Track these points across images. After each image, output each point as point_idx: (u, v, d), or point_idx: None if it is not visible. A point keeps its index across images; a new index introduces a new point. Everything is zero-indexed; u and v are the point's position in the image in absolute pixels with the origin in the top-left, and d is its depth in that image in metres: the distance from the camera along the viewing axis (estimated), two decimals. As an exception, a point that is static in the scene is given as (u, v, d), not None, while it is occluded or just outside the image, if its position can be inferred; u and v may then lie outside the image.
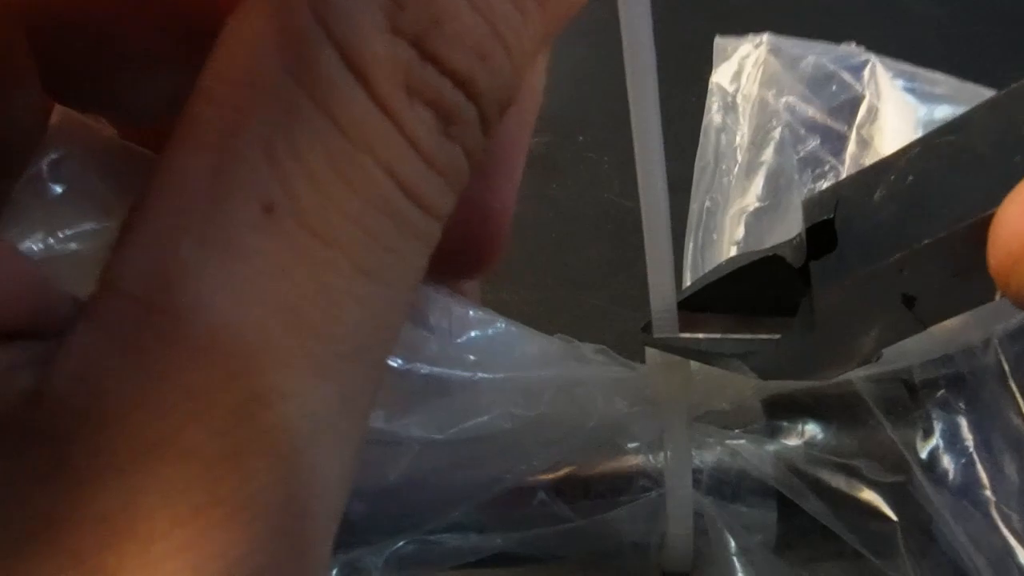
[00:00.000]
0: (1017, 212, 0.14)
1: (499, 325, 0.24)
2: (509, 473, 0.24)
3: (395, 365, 0.22)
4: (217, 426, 0.12)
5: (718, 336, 0.24)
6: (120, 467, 0.12)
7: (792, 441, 0.24)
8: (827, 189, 0.22)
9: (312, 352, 0.13)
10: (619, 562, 0.26)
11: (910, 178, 0.20)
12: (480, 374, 0.22)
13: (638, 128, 0.20)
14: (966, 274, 0.19)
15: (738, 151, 0.28)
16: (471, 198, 0.15)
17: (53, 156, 0.17)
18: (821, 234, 0.21)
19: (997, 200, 0.17)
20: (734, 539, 0.25)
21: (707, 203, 0.28)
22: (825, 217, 0.21)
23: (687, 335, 0.24)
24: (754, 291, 0.24)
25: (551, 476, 0.25)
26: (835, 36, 0.29)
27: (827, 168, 0.28)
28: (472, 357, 0.22)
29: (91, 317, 0.12)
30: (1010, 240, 0.14)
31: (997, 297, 0.19)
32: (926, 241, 0.19)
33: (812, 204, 0.22)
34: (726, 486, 0.25)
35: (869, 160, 0.27)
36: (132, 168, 0.18)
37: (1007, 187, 0.16)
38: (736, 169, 0.28)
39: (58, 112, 0.18)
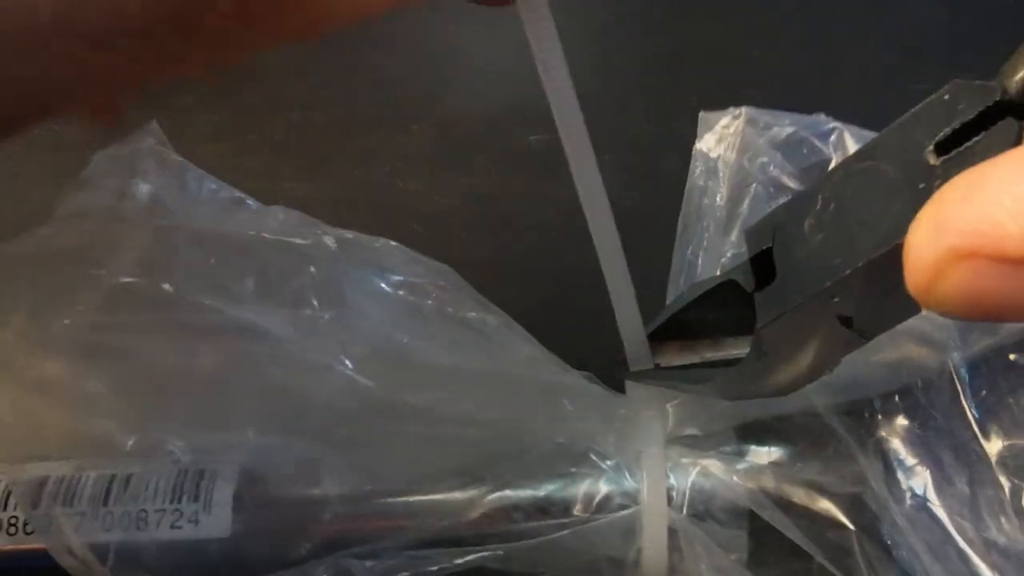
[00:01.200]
0: (921, 242, 0.15)
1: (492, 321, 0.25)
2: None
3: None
4: None
5: (687, 364, 0.25)
6: None
7: (760, 461, 0.26)
8: (765, 217, 0.22)
9: None
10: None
11: (832, 205, 0.20)
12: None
13: (584, 187, 0.21)
14: (893, 293, 0.19)
15: (718, 209, 0.30)
16: None
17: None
18: (765, 260, 0.22)
19: (907, 226, 0.18)
20: (708, 556, 0.25)
21: (688, 255, 0.30)
22: (764, 247, 0.22)
23: (663, 364, 0.26)
24: (718, 315, 0.25)
25: (532, 494, 0.26)
26: (838, 44, 0.27)
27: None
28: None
29: None
30: (919, 266, 0.15)
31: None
32: (848, 271, 0.19)
33: (753, 233, 0.23)
34: (699, 504, 0.26)
35: None
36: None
37: (915, 212, 0.16)
38: (713, 227, 0.30)
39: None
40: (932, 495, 0.24)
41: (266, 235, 0.26)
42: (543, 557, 0.25)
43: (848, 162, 0.21)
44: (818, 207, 0.21)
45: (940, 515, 0.24)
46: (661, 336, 0.25)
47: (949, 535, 0.23)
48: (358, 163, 0.39)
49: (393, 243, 0.25)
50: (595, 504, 0.26)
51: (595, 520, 0.25)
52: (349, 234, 0.26)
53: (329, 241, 0.25)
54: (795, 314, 0.21)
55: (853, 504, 0.25)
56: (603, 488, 0.26)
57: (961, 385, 0.24)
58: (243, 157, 0.40)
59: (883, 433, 0.25)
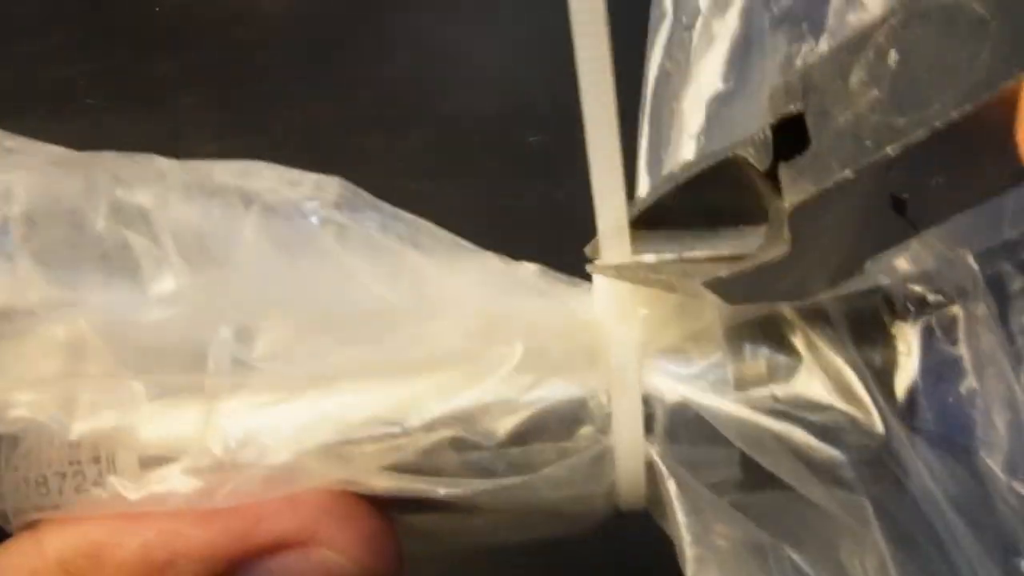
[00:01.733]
0: None
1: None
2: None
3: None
4: None
5: (674, 257, 0.21)
6: None
7: (758, 391, 0.21)
8: (793, 75, 0.19)
9: None
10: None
11: (892, 54, 0.17)
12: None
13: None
14: (969, 167, 0.17)
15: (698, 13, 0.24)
16: None
17: None
18: (790, 130, 0.18)
19: (1009, 72, 0.15)
20: (688, 495, 0.21)
21: (667, 64, 0.24)
22: (793, 110, 0.18)
23: (639, 258, 0.21)
24: (714, 201, 0.20)
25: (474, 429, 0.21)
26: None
27: (805, 27, 0.23)
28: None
29: None
30: None
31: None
32: (919, 134, 0.16)
33: (777, 94, 0.19)
34: (682, 432, 0.21)
35: (857, 15, 0.22)
36: None
37: (1020, 56, 0.14)
38: (697, 31, 0.24)
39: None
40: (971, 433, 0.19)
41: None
42: (502, 496, 0.21)
43: (912, 0, 0.17)
44: (870, 57, 0.17)
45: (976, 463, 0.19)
46: (641, 227, 0.21)
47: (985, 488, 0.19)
48: (358, 163, 0.38)
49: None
50: (557, 435, 0.21)
51: (560, 453, 0.21)
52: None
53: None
54: (837, 192, 0.17)
55: (869, 460, 0.20)
56: (564, 419, 0.21)
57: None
58: (243, 158, 0.40)
59: (905, 335, 0.20)
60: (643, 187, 0.24)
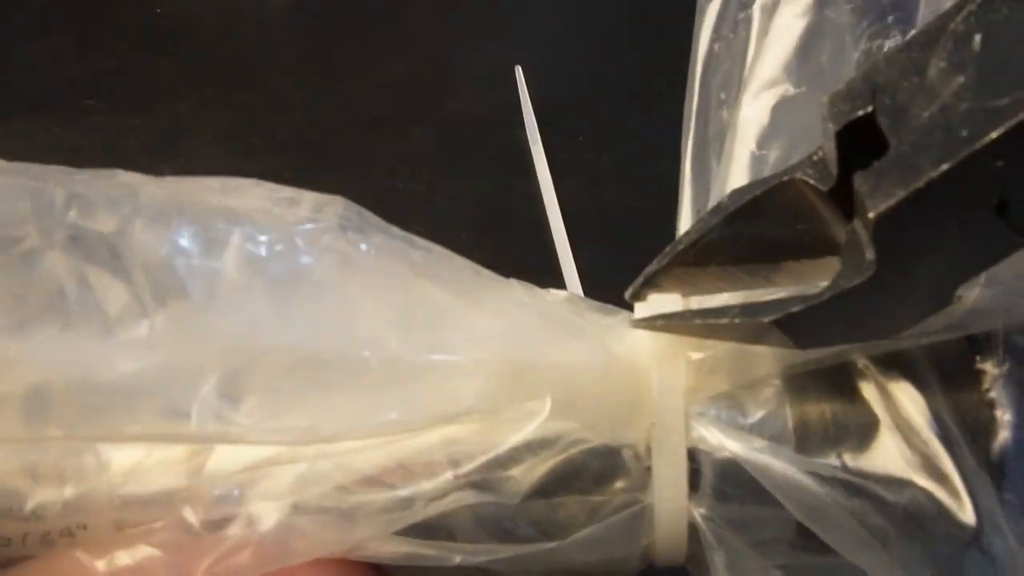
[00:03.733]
0: None
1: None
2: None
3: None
4: None
5: (733, 301, 0.18)
6: None
7: (824, 456, 0.18)
8: (854, 79, 0.16)
9: None
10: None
11: (977, 39, 0.15)
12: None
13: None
14: None
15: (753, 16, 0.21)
16: None
17: None
18: (856, 137, 0.16)
19: None
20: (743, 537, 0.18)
21: (716, 46, 0.21)
22: (861, 113, 0.16)
23: (688, 303, 0.18)
24: (770, 232, 0.18)
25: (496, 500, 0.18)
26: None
27: (890, 20, 0.19)
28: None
29: None
30: None
31: None
32: None
33: (839, 99, 0.16)
34: (732, 492, 0.18)
35: None
36: None
37: None
38: (755, 14, 0.20)
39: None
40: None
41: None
42: (512, 566, 0.18)
43: None
44: (949, 47, 0.15)
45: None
46: (687, 264, 0.18)
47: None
48: (359, 165, 0.39)
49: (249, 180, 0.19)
50: (583, 492, 0.18)
51: (587, 523, 0.18)
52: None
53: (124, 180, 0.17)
54: (930, 194, 0.14)
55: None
56: (594, 472, 0.18)
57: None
58: (244, 159, 0.39)
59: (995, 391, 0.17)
60: (687, 199, 0.21)
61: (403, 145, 0.40)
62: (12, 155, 0.40)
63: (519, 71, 0.40)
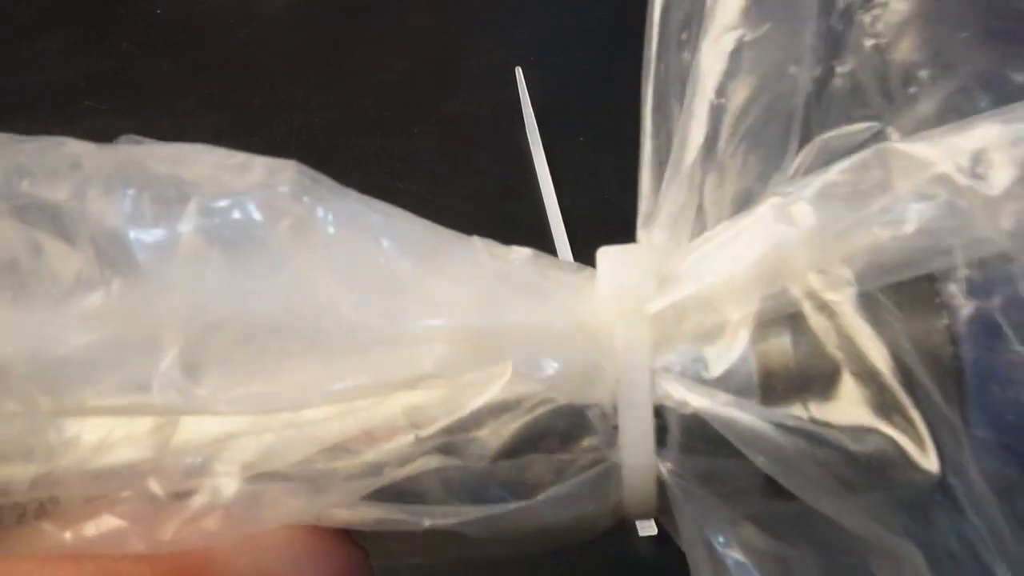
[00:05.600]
0: None
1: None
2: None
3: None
4: None
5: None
6: None
7: (789, 407, 0.18)
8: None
9: None
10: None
11: None
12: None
13: None
14: None
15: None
16: None
17: None
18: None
19: None
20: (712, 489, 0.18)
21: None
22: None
23: None
24: None
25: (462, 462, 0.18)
26: None
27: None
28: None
29: None
30: None
31: None
32: None
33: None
34: (699, 446, 0.18)
35: None
36: None
37: None
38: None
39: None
40: None
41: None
42: (482, 528, 0.18)
43: None
44: None
45: None
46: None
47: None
48: (359, 164, 0.39)
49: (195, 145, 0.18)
50: (550, 450, 0.18)
51: (555, 481, 0.18)
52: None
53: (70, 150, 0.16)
54: None
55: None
56: (561, 430, 0.18)
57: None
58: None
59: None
60: (647, 152, 0.21)
61: (403, 145, 0.40)
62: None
63: (519, 71, 0.40)
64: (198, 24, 0.46)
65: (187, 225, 0.17)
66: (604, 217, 0.35)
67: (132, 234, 0.17)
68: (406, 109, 0.42)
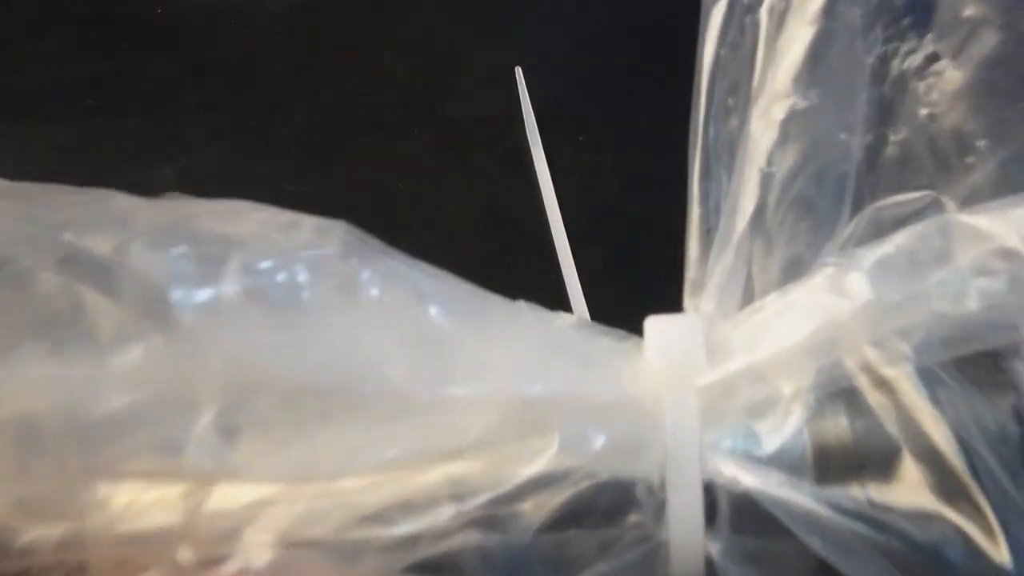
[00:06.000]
0: None
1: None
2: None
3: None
4: None
5: None
6: None
7: (845, 488, 0.17)
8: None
9: None
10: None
11: None
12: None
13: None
14: None
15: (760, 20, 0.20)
16: None
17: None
18: None
19: None
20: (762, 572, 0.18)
21: (722, 52, 0.20)
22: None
23: None
24: None
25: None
26: None
27: (906, 23, 0.18)
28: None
29: None
30: None
31: None
32: None
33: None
34: (750, 526, 0.18)
35: (973, 8, 0.18)
36: None
37: None
38: (760, 44, 0.20)
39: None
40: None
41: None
42: None
43: None
44: None
45: None
46: None
47: None
48: (360, 165, 0.38)
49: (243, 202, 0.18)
50: (595, 525, 0.17)
51: (599, 559, 0.17)
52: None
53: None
54: None
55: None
56: (607, 506, 0.17)
57: None
58: (244, 159, 0.39)
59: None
60: (695, 219, 0.20)
61: (403, 145, 0.40)
62: (12, 155, 0.41)
63: (519, 71, 0.40)
64: (198, 24, 0.45)
65: (231, 284, 0.16)
66: (604, 217, 0.35)
67: (175, 291, 0.16)
68: (406, 109, 0.41)
